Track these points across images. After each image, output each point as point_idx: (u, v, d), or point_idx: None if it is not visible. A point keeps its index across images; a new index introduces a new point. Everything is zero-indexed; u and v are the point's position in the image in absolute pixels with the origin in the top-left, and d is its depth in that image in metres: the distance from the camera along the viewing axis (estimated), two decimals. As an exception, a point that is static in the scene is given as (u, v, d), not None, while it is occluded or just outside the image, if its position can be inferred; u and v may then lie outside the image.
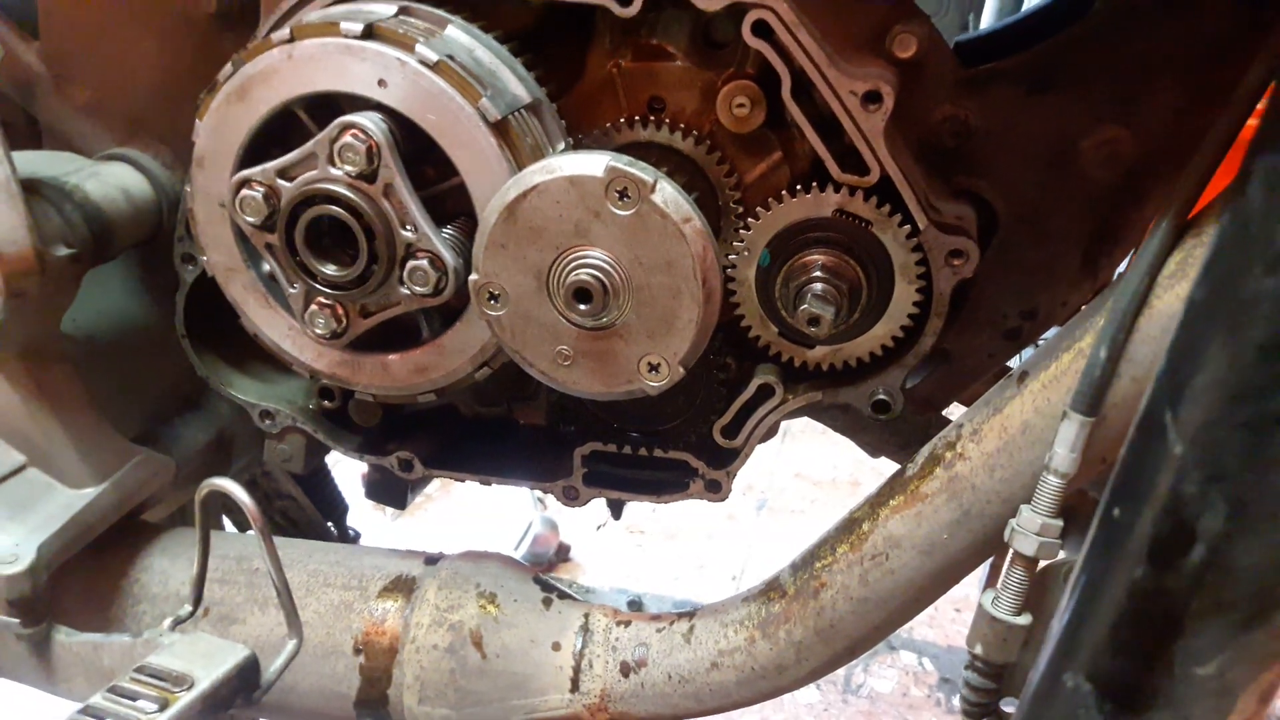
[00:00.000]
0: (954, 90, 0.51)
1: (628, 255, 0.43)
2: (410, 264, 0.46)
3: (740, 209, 0.52)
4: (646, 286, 0.43)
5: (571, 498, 0.59)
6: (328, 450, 0.66)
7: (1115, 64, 0.49)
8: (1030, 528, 0.43)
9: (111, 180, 0.57)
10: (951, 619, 1.20)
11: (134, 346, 0.64)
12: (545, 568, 1.30)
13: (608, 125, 0.52)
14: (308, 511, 0.86)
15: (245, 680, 0.41)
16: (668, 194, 0.42)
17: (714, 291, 0.43)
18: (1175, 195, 0.42)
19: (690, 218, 0.42)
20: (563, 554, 1.32)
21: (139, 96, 0.60)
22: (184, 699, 0.38)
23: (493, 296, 0.45)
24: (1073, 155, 0.51)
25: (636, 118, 0.51)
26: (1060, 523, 0.44)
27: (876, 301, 0.51)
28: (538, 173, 0.42)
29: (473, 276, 0.45)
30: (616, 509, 0.66)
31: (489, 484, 0.60)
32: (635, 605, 1.23)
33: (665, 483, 0.58)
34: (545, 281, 0.44)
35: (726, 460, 0.56)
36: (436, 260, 0.45)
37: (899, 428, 0.62)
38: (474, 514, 1.35)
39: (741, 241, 0.51)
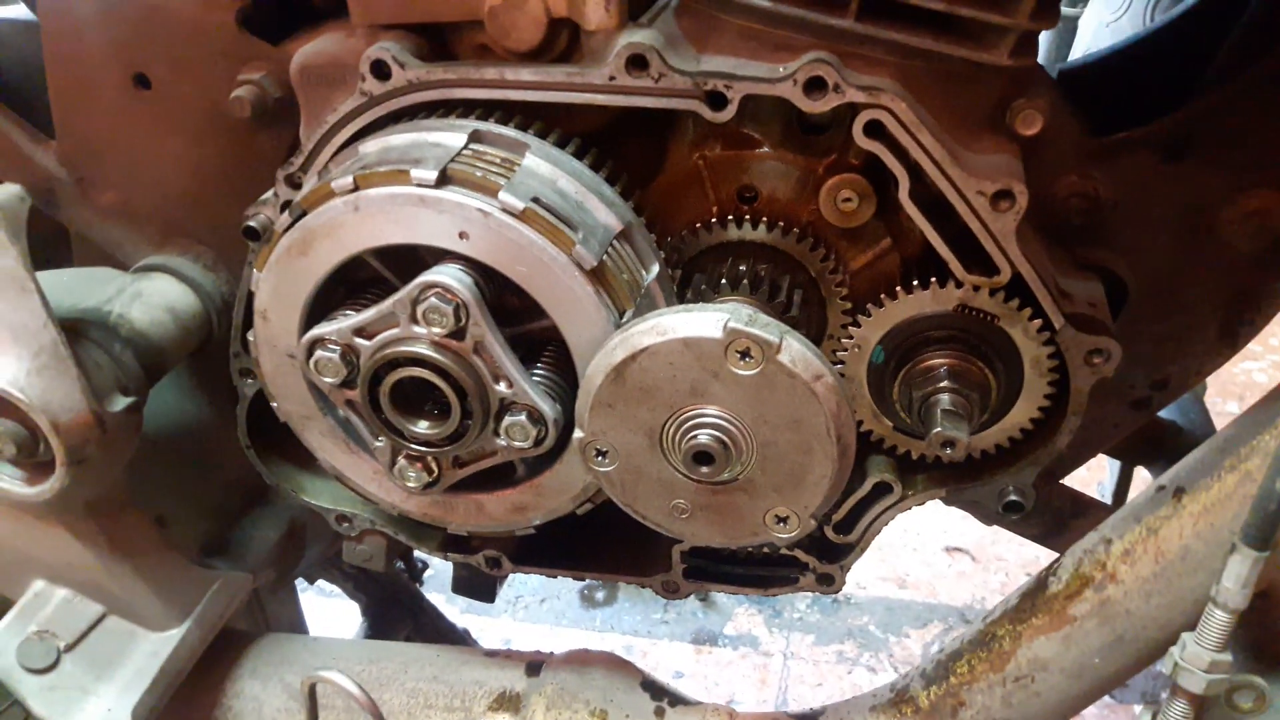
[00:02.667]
0: (1081, 161, 0.46)
1: (751, 414, 0.39)
2: (507, 419, 0.42)
3: (848, 303, 0.48)
4: (774, 443, 0.39)
5: (672, 591, 0.56)
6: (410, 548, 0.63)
7: (1265, 129, 0.44)
8: (1198, 664, 0.40)
9: (155, 300, 0.53)
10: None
11: (192, 451, 0.61)
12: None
13: (697, 225, 0.47)
14: (402, 580, 0.85)
15: None
16: (795, 351, 0.38)
17: (849, 447, 0.39)
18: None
19: (822, 374, 0.38)
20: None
21: (170, 197, 0.55)
22: None
23: (600, 454, 0.41)
24: (1212, 224, 0.46)
25: (728, 216, 0.47)
26: (1229, 658, 0.41)
27: (1006, 395, 0.47)
28: (648, 334, 0.38)
29: (578, 434, 0.41)
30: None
31: (582, 579, 0.57)
32: (702, 595, 1.22)
33: (772, 577, 0.55)
34: (659, 440, 0.40)
35: (840, 554, 0.53)
36: (534, 413, 0.42)
37: (1039, 518, 0.58)
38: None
39: (851, 338, 0.47)
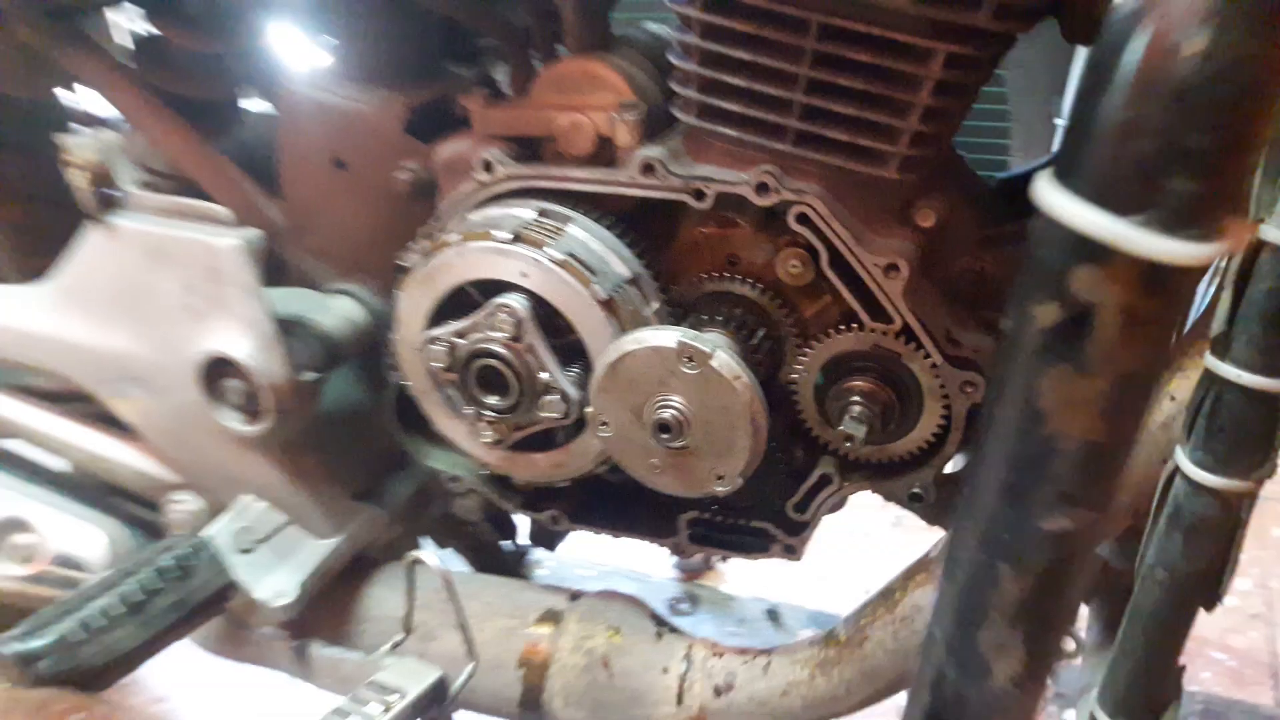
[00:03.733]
0: (974, 246, 0.64)
1: (696, 401, 0.59)
2: (545, 398, 0.63)
3: (800, 341, 0.66)
4: (711, 422, 0.59)
5: (678, 552, 0.76)
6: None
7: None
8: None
9: (340, 312, 0.78)
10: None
11: (357, 425, 0.85)
12: (692, 575, 1.47)
13: (699, 276, 0.68)
14: (488, 534, 1.06)
15: (438, 693, 0.61)
16: (722, 360, 0.57)
17: (760, 428, 0.58)
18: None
19: (739, 375, 0.57)
20: (708, 563, 1.48)
21: (356, 245, 0.80)
22: (398, 706, 0.58)
23: (603, 424, 0.62)
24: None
25: (719, 272, 0.67)
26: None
27: (912, 415, 0.64)
28: (630, 342, 0.59)
29: (588, 409, 0.62)
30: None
31: (617, 537, 0.77)
32: (773, 614, 1.39)
33: (753, 545, 0.74)
34: (639, 416, 0.60)
35: (799, 530, 0.71)
36: (564, 395, 0.63)
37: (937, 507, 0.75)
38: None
39: (801, 366, 0.65)
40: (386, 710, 0.57)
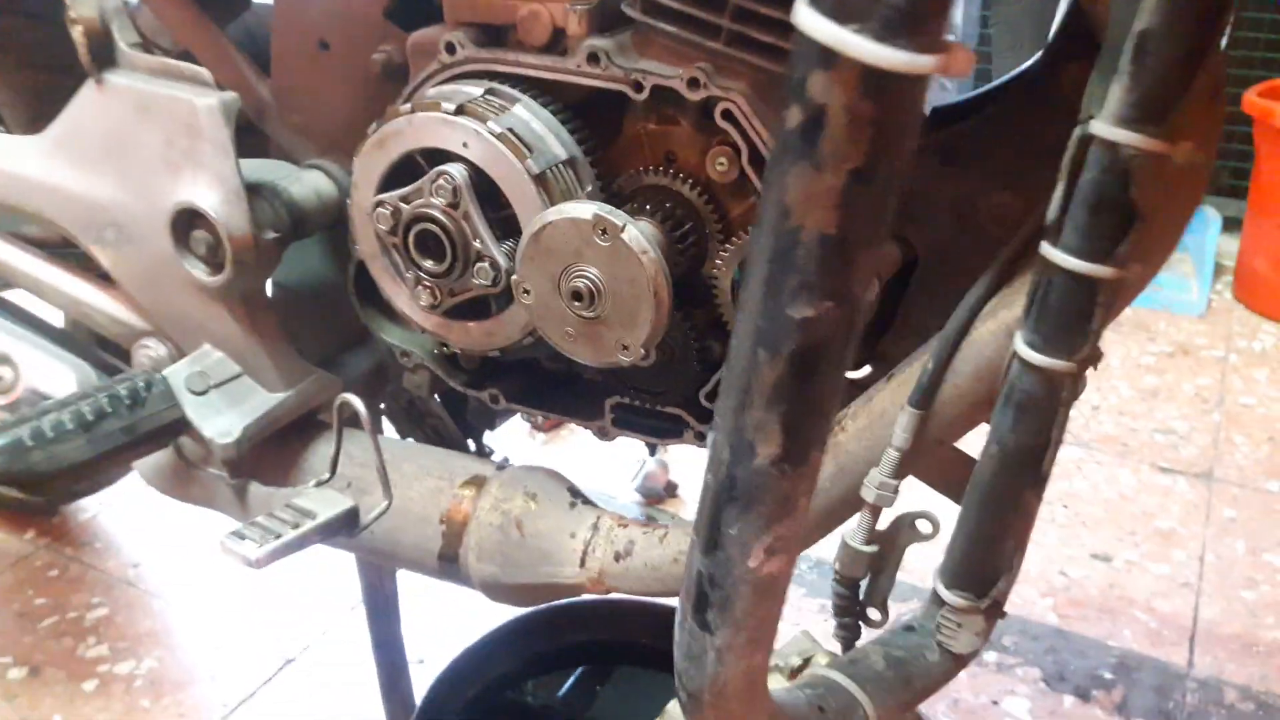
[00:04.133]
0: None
1: (608, 272, 0.63)
2: (478, 264, 0.68)
3: (723, 238, 0.71)
4: (619, 293, 0.64)
5: (602, 436, 0.81)
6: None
7: (1000, 147, 0.64)
8: (873, 484, 0.61)
9: (309, 184, 0.83)
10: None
11: (319, 298, 0.90)
12: (654, 500, 1.52)
13: (635, 171, 0.72)
14: (451, 429, 1.12)
15: (349, 521, 0.66)
16: (632, 234, 0.62)
17: (663, 301, 0.63)
18: (1004, 253, 0.58)
19: (646, 250, 0.62)
20: (671, 490, 1.54)
21: (333, 124, 0.85)
22: (307, 525, 0.63)
23: (525, 291, 0.66)
24: (972, 214, 0.67)
25: (657, 167, 0.71)
26: (896, 483, 0.61)
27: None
28: (552, 213, 0.63)
29: (514, 276, 0.67)
30: (651, 448, 0.88)
31: (548, 418, 0.82)
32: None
33: (668, 431, 0.78)
34: (557, 284, 0.65)
35: (710, 418, 0.76)
36: (494, 263, 0.68)
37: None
38: (601, 450, 1.58)
39: (721, 262, 0.70)
40: (296, 527, 0.63)
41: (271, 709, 1.17)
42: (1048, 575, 1.38)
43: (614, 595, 1.07)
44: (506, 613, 1.21)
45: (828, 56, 0.29)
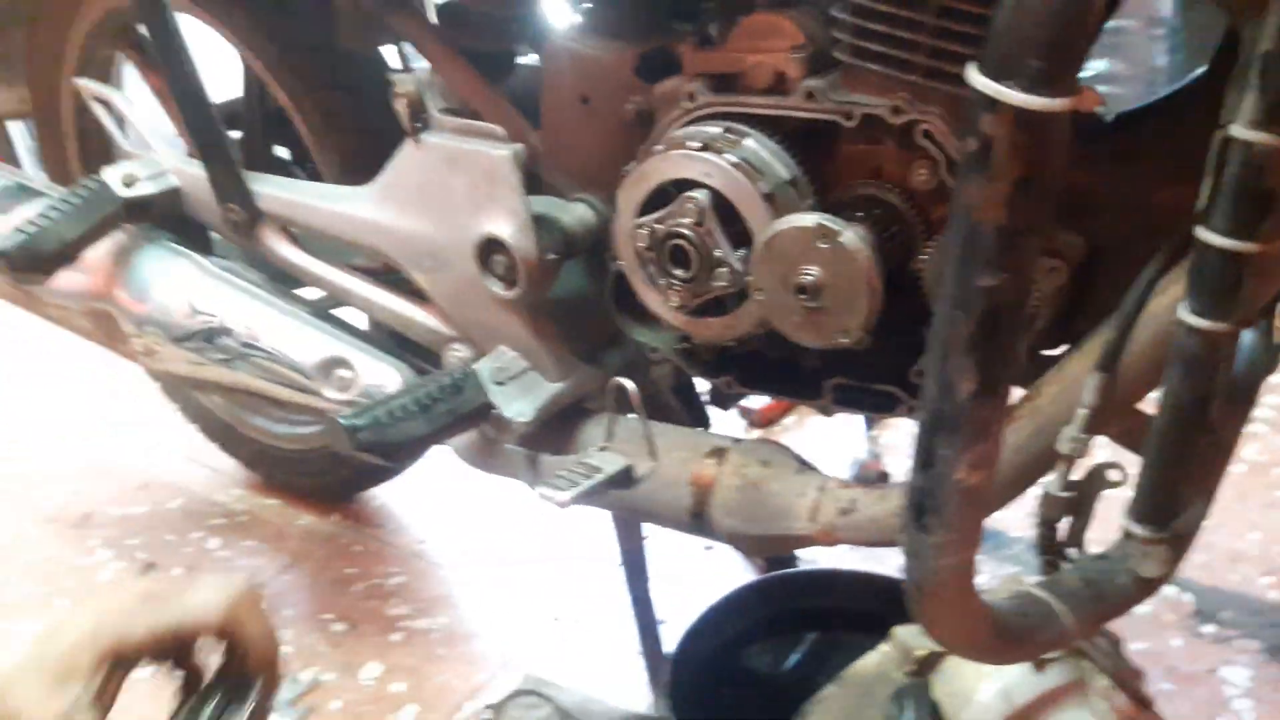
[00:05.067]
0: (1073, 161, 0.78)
1: (828, 270, 0.78)
2: (718, 270, 0.84)
3: (926, 236, 0.83)
4: (838, 287, 0.78)
5: (824, 412, 0.95)
6: (688, 376, 1.07)
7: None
8: (1067, 438, 0.72)
9: (576, 214, 1.01)
10: (1222, 567, 1.36)
11: (584, 306, 1.09)
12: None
13: (848, 184, 0.86)
14: (682, 418, 1.29)
15: (626, 477, 0.84)
16: (848, 237, 0.76)
17: (875, 291, 0.77)
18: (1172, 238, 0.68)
19: (861, 249, 0.76)
20: (883, 479, 1.64)
21: (593, 165, 1.03)
22: (595, 478, 0.81)
23: (759, 289, 0.82)
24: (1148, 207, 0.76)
25: (867, 180, 0.85)
26: (1087, 437, 0.71)
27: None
28: (780, 224, 0.78)
29: (749, 278, 0.82)
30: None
31: (775, 399, 0.97)
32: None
33: (884, 405, 0.91)
34: (785, 282, 0.80)
35: (919, 394, 0.88)
36: (732, 269, 0.83)
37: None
38: (819, 441, 1.71)
39: (926, 256, 0.83)
40: (587, 477, 0.81)
41: (544, 658, 1.37)
42: (1269, 555, 1.39)
43: (838, 566, 1.21)
44: (736, 580, 1.36)
45: (992, 103, 0.43)
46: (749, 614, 1.27)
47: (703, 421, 1.28)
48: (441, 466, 1.73)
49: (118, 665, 0.60)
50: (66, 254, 1.12)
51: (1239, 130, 0.54)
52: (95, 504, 1.83)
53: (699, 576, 1.49)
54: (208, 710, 0.62)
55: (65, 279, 1.17)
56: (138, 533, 1.74)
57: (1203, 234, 0.58)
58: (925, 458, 0.54)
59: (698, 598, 1.21)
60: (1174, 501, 0.66)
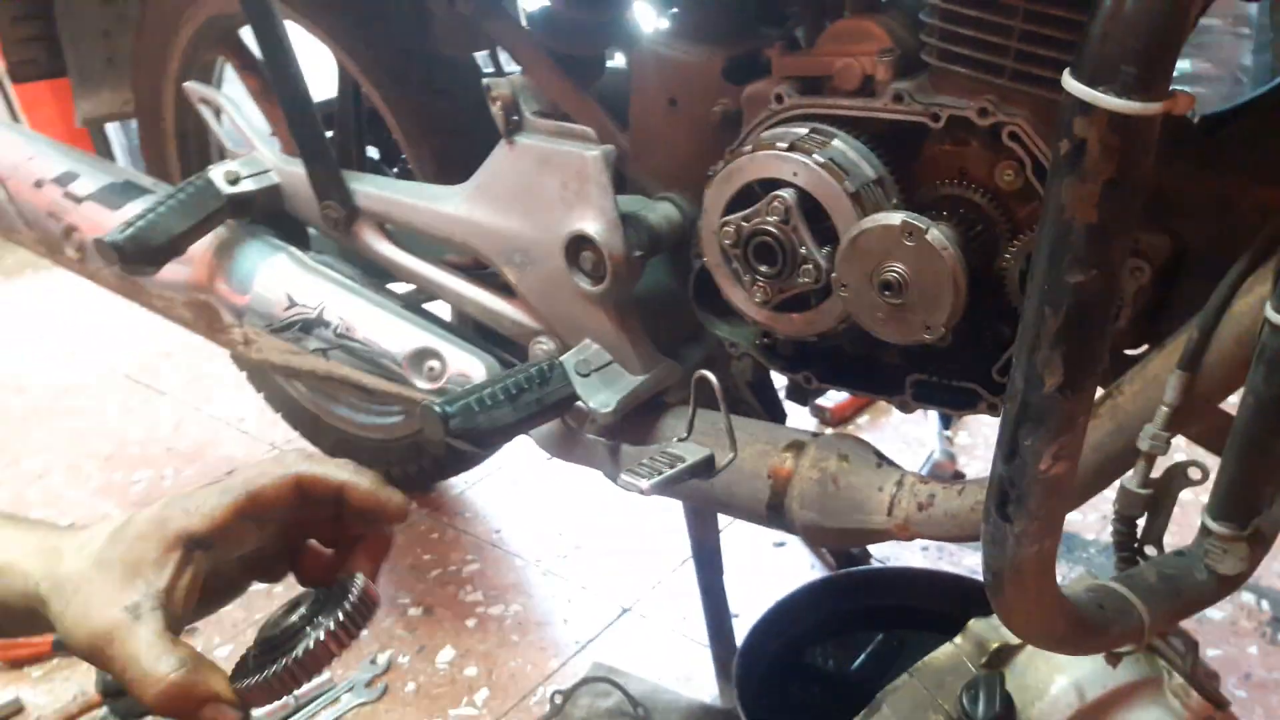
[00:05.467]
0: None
1: (913, 267, 0.80)
2: (803, 266, 0.87)
3: (1010, 236, 0.85)
4: (923, 284, 0.80)
5: (903, 408, 0.96)
6: (766, 371, 1.10)
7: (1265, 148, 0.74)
8: (1147, 436, 0.73)
9: (661, 213, 1.05)
10: (1301, 578, 1.34)
11: (667, 301, 1.12)
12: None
13: (934, 184, 0.88)
14: (759, 413, 1.31)
15: (708, 467, 0.86)
16: (934, 234, 0.78)
17: (960, 289, 0.78)
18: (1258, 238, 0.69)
19: (946, 247, 0.78)
20: (958, 480, 1.64)
21: (679, 165, 1.06)
22: (678, 467, 0.84)
23: (843, 286, 0.84)
24: (1235, 208, 0.77)
25: (952, 180, 0.86)
26: (1168, 435, 0.72)
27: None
28: (866, 222, 0.81)
29: (834, 275, 0.84)
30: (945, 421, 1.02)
31: (854, 394, 0.99)
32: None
33: (964, 402, 0.93)
34: (870, 279, 0.82)
35: (1001, 390, 0.90)
36: (817, 265, 0.86)
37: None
38: (895, 440, 1.72)
39: (1010, 256, 0.84)
40: (669, 466, 0.84)
41: (613, 648, 1.40)
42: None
43: (907, 565, 1.22)
44: (805, 576, 1.38)
45: (1085, 107, 0.45)
46: (818, 610, 1.29)
47: (779, 417, 1.30)
48: (517, 459, 1.78)
49: (191, 550, 0.59)
50: (173, 247, 1.18)
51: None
52: (183, 486, 1.92)
53: (769, 572, 1.51)
54: (300, 612, 0.62)
55: (170, 271, 1.23)
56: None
57: (1291, 238, 0.58)
58: (1010, 448, 0.56)
59: (767, 593, 1.23)
60: (1254, 499, 0.67)
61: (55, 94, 2.97)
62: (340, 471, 0.64)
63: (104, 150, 3.10)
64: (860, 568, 1.36)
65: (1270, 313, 0.61)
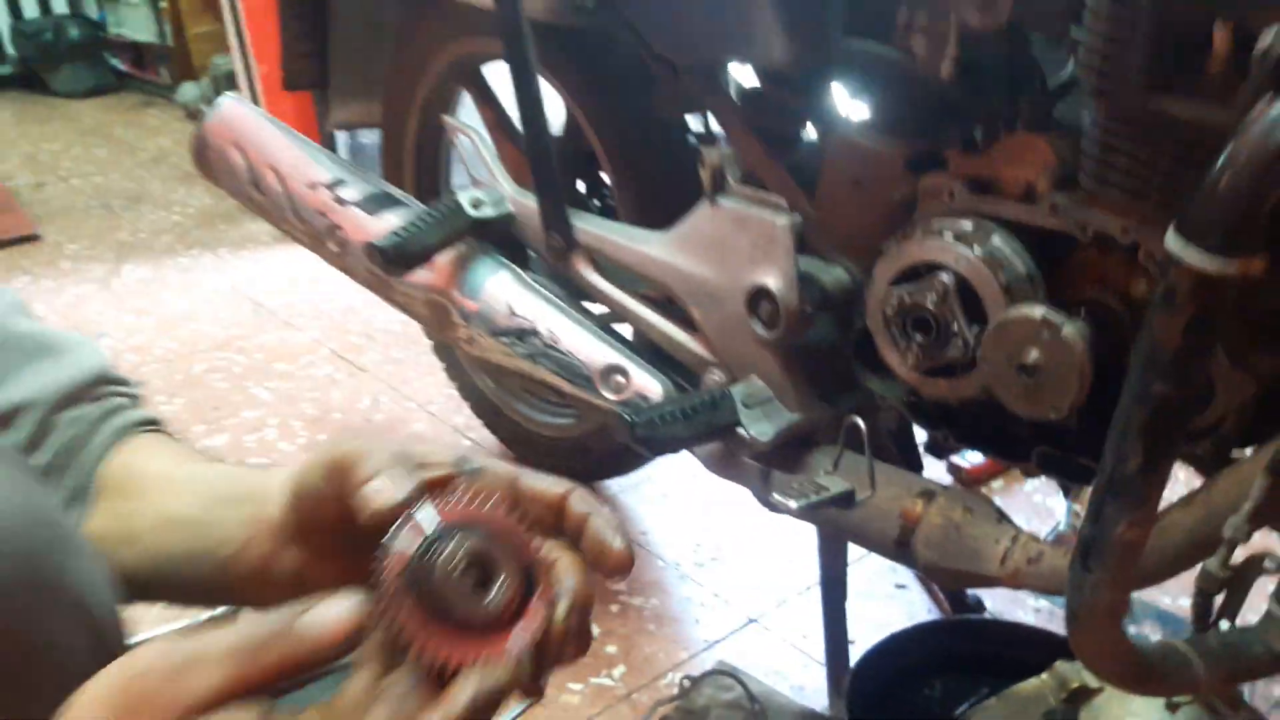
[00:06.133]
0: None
1: (1047, 355, 0.94)
2: (953, 340, 1.02)
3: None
4: (1054, 371, 0.94)
5: (1027, 474, 1.10)
6: (909, 424, 1.24)
7: None
8: (1232, 525, 0.85)
9: (834, 276, 1.21)
10: None
11: (829, 352, 1.29)
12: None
13: (1076, 286, 1.01)
14: (897, 461, 1.45)
15: (847, 498, 1.02)
16: (1068, 330, 0.92)
17: (1085, 379, 0.92)
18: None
19: (1078, 342, 0.92)
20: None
21: (855, 237, 1.22)
22: (821, 495, 1.00)
23: (986, 362, 0.99)
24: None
25: (1093, 285, 1.00)
26: (1249, 526, 0.84)
27: (1204, 396, 0.93)
28: (1013, 312, 0.95)
29: (979, 351, 0.99)
30: (1065, 491, 1.15)
31: (986, 456, 1.13)
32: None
33: (1084, 476, 1.06)
34: (1009, 360, 0.97)
35: (1113, 471, 1.02)
36: (966, 341, 1.01)
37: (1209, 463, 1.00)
38: (1025, 507, 1.82)
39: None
40: (816, 493, 1.01)
41: (736, 652, 1.56)
42: None
43: (1019, 620, 1.33)
44: (921, 618, 1.51)
45: (1179, 259, 0.60)
46: (930, 648, 1.41)
47: (916, 468, 1.44)
48: (667, 473, 1.97)
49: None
50: (425, 256, 1.42)
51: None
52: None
53: (888, 610, 1.64)
54: None
55: (415, 274, 1.48)
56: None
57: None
58: (1095, 513, 0.70)
59: (884, 628, 1.37)
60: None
61: (295, 99, 3.38)
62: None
63: (330, 148, 3.50)
64: (975, 616, 1.48)
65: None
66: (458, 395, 2.16)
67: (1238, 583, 0.85)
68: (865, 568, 1.68)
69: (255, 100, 4.04)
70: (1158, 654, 0.78)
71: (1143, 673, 0.76)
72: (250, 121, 1.64)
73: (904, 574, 1.69)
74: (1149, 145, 0.90)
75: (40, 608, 0.43)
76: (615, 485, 2.01)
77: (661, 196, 1.55)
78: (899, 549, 1.11)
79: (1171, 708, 0.87)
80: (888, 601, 1.67)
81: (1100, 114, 0.91)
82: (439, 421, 2.30)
